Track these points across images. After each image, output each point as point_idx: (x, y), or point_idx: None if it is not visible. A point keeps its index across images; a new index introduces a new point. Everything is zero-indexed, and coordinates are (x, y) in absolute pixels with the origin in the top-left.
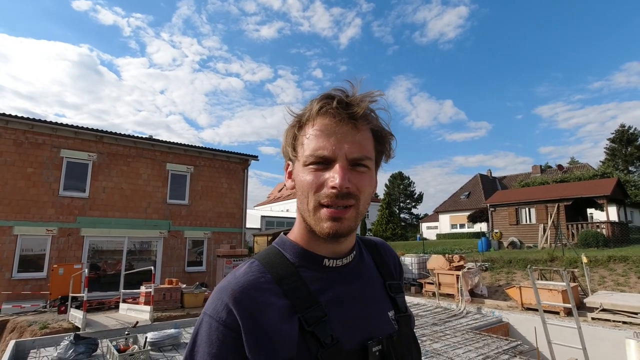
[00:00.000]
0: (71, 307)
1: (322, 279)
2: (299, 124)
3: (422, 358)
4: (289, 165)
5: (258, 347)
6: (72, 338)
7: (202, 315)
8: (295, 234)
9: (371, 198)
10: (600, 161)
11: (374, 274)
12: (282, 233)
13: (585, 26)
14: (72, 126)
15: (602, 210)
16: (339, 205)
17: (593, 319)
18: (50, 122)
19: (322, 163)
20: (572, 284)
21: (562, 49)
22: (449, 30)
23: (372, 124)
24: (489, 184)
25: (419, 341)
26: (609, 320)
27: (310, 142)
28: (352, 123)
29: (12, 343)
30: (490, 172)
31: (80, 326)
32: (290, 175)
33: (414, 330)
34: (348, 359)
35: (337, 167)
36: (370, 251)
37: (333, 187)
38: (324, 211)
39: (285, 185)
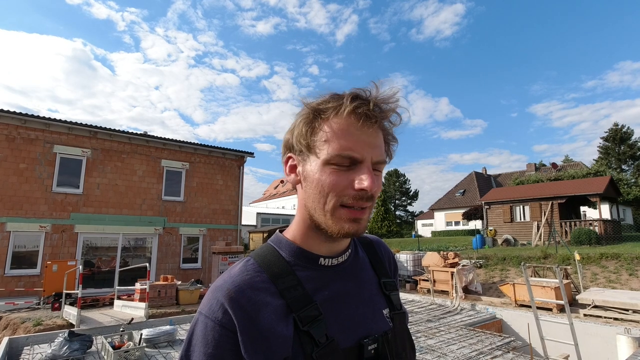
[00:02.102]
0: (65, 303)
1: (317, 277)
2: (320, 117)
3: (417, 354)
4: (291, 158)
5: (254, 347)
6: (66, 335)
7: (198, 315)
8: (292, 233)
9: None
10: (593, 159)
11: (369, 271)
12: (277, 231)
13: (580, 25)
14: (65, 122)
15: (595, 208)
16: (360, 206)
17: (585, 315)
18: (43, 118)
19: (347, 164)
20: (565, 281)
21: (557, 47)
22: (445, 28)
23: (386, 129)
24: (483, 181)
25: (413, 337)
26: (600, 316)
27: (338, 139)
28: (377, 126)
29: (5, 340)
30: (485, 170)
31: (74, 323)
32: (293, 169)
33: (408, 327)
34: (343, 357)
35: (365, 169)
36: (366, 249)
37: (362, 189)
38: (345, 212)
39: (284, 180)
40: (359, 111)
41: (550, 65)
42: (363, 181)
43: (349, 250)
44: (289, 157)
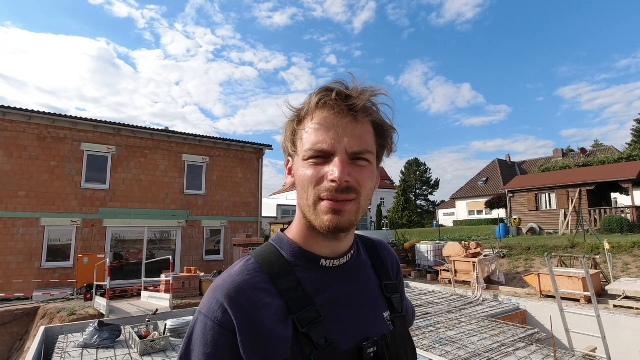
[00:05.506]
0: (96, 294)
1: (318, 279)
2: (298, 118)
3: (437, 345)
4: (289, 161)
5: (253, 347)
6: (96, 325)
7: (197, 314)
8: (293, 232)
9: (373, 193)
10: (626, 143)
11: (371, 273)
12: (279, 230)
13: (611, 0)
14: (91, 120)
15: (628, 195)
16: (339, 199)
17: (615, 306)
18: (70, 117)
19: (322, 157)
20: (594, 271)
21: (586, 25)
22: (467, 10)
23: (373, 117)
24: (507, 169)
25: (433, 328)
26: (632, 307)
27: (310, 135)
28: (352, 116)
29: (42, 329)
30: (509, 157)
31: (104, 313)
32: (290, 171)
33: (430, 318)
34: None
35: (336, 160)
36: (369, 250)
37: (333, 181)
38: (324, 204)
39: (285, 182)
40: (324, 103)
41: (579, 45)
42: (333, 173)
43: (352, 252)
44: (287, 160)
